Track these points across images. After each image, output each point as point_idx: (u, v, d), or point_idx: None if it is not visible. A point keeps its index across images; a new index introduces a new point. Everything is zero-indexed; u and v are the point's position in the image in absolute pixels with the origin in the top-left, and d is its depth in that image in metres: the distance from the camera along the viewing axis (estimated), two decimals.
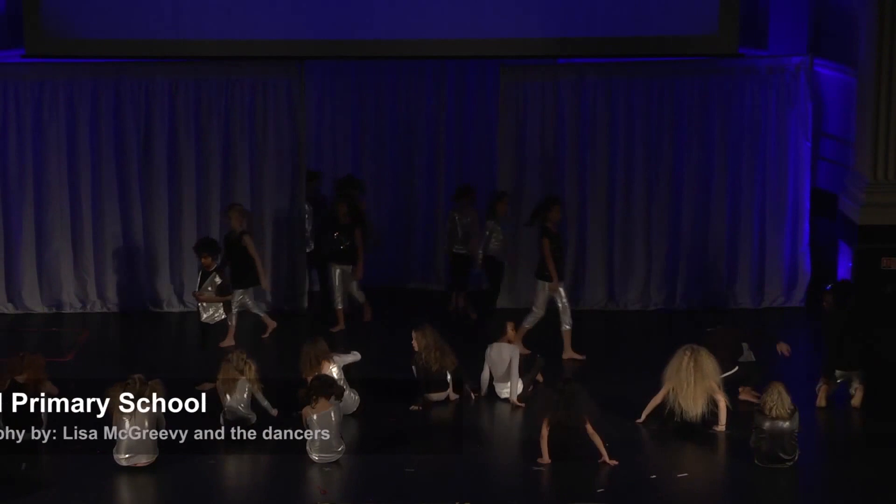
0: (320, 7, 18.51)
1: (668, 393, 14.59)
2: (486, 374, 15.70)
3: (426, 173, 20.00)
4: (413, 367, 15.50)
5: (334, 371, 14.93)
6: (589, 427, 13.82)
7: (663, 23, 18.50)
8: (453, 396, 15.49)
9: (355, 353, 15.45)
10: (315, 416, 13.82)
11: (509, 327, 15.83)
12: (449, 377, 15.44)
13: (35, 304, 19.03)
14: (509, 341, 15.70)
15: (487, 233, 18.12)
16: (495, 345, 15.70)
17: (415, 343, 15.41)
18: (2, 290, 18.97)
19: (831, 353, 15.39)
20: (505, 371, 15.52)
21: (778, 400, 13.66)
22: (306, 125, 19.14)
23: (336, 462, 13.84)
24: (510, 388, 15.50)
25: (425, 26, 18.54)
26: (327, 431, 13.81)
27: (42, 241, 18.92)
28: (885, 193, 17.33)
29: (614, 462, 13.76)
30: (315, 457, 13.83)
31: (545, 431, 13.83)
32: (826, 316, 15.76)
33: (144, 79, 18.74)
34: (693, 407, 14.46)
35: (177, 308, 19.10)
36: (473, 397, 15.51)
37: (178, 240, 19.04)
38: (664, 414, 14.67)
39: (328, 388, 13.92)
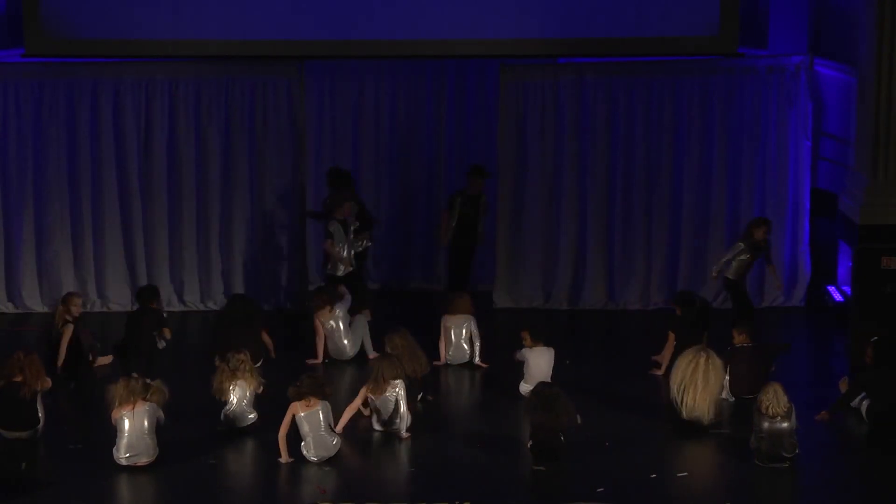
0: (320, 7, 18.51)
1: (676, 390, 14.56)
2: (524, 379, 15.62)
3: (426, 173, 20.00)
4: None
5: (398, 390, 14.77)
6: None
7: (663, 23, 18.49)
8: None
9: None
10: (303, 414, 13.80)
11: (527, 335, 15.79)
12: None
13: (35, 303, 19.03)
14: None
15: (730, 254, 17.36)
16: (535, 349, 15.63)
17: (387, 346, 15.41)
18: (2, 289, 18.99)
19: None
20: (542, 375, 15.40)
21: (774, 399, 13.62)
22: (306, 125, 19.14)
23: (333, 458, 13.80)
24: None
25: (425, 26, 18.54)
26: (319, 429, 13.79)
27: (42, 240, 18.93)
28: (885, 193, 17.32)
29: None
30: (313, 458, 13.79)
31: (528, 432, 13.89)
32: (870, 372, 14.94)
33: (144, 78, 18.75)
34: (704, 410, 14.44)
35: (177, 308, 19.10)
36: (430, 398, 15.46)
37: (178, 239, 19.05)
38: (667, 410, 14.67)
39: (318, 387, 13.92)
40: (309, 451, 13.81)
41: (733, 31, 18.45)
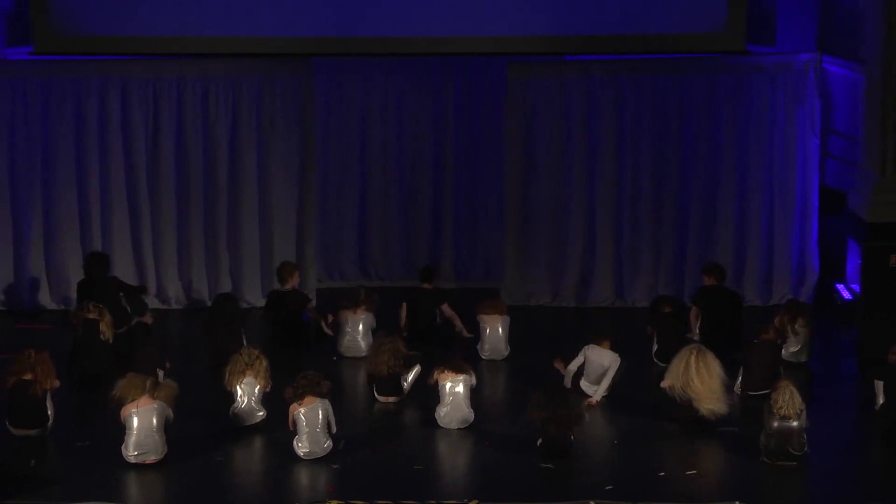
0: (328, 4, 18.53)
1: (677, 391, 14.58)
2: (573, 367, 15.65)
3: (433, 170, 19.99)
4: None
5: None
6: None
7: (671, 20, 18.49)
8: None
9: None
10: (302, 410, 13.79)
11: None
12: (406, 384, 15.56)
13: (44, 301, 19.04)
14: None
15: None
16: (595, 347, 15.59)
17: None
18: (11, 287, 19.00)
19: None
20: (599, 375, 15.42)
21: (790, 400, 13.62)
22: (314, 122, 19.14)
23: (339, 457, 13.81)
24: (598, 390, 15.39)
25: (432, 23, 18.55)
26: (316, 426, 13.80)
27: (51, 237, 18.96)
28: (894, 190, 17.30)
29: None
30: (303, 451, 13.77)
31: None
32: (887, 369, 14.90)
33: (152, 76, 18.76)
34: (716, 404, 14.45)
35: (184, 305, 19.13)
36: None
37: (186, 237, 19.07)
38: (674, 412, 14.67)
39: (315, 385, 13.93)
40: (301, 446, 13.79)
41: (741, 28, 18.44)
